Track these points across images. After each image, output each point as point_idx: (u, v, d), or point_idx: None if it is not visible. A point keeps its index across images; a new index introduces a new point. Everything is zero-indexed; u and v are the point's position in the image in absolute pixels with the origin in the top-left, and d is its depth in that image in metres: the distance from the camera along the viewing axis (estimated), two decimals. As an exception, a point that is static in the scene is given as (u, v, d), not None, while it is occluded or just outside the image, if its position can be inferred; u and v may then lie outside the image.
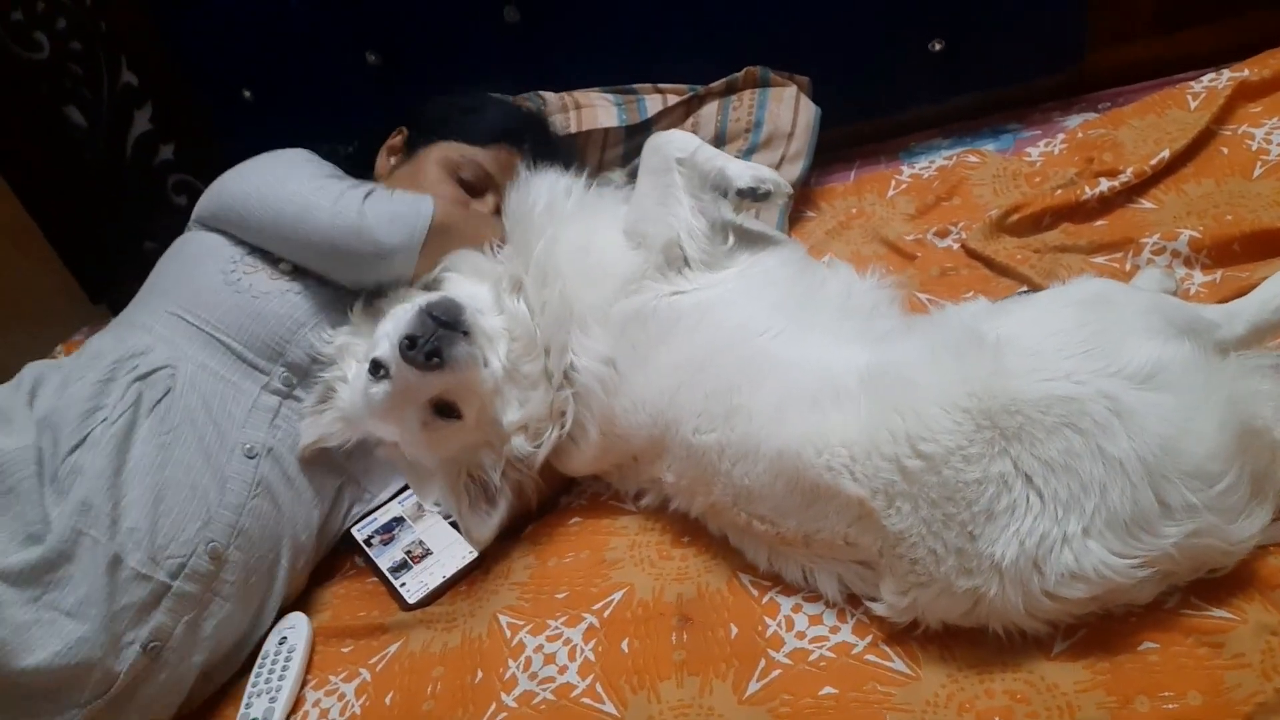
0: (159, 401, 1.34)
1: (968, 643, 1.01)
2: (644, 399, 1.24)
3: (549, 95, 1.97)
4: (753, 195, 1.32)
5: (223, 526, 1.31)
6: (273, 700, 1.27)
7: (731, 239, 1.33)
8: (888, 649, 1.04)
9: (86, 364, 1.38)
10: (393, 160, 1.71)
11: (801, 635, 1.09)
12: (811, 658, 1.06)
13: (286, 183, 1.47)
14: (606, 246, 1.34)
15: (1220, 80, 1.63)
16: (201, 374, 1.40)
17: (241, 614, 1.34)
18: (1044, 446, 0.92)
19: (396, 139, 1.73)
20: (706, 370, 1.18)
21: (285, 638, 1.36)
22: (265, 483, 1.37)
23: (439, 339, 1.23)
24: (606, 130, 1.92)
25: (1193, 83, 1.66)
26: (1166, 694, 0.90)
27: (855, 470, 1.01)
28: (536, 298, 1.35)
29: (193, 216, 1.59)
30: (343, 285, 1.50)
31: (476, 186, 1.59)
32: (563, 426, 1.32)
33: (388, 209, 1.43)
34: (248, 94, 2.25)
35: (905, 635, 1.05)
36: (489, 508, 1.32)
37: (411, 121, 1.74)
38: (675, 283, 1.28)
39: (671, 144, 1.35)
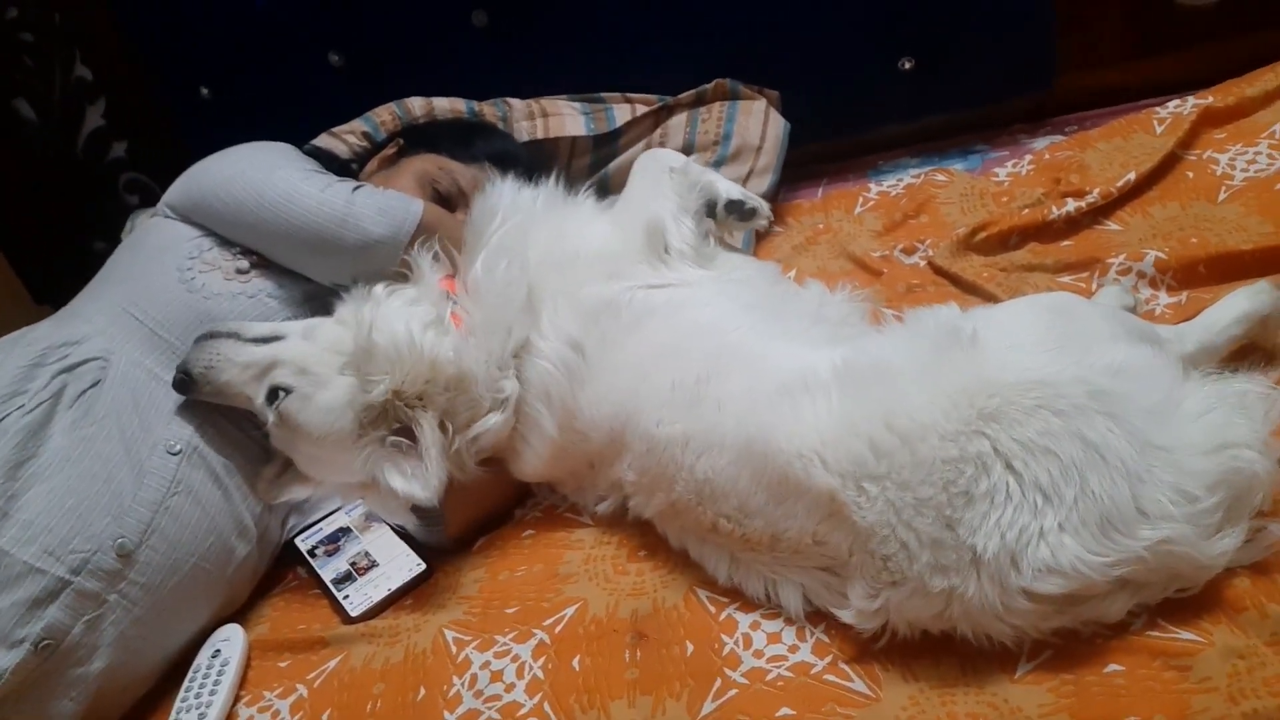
0: (84, 393, 1.28)
1: (930, 663, 0.98)
2: (610, 389, 1.21)
3: (515, 102, 1.94)
4: (739, 209, 1.42)
5: (134, 523, 1.24)
6: (201, 716, 1.19)
7: (713, 242, 1.37)
8: (848, 669, 1.01)
9: (22, 350, 1.31)
10: (378, 168, 1.68)
11: (759, 654, 1.05)
12: (769, 677, 1.02)
13: (274, 169, 1.44)
14: (583, 233, 1.35)
15: (1185, 106, 1.64)
16: (135, 370, 1.34)
17: (157, 620, 1.26)
18: (1022, 428, 0.91)
19: (391, 150, 1.70)
20: (674, 361, 1.16)
21: (219, 650, 1.29)
22: (187, 482, 1.30)
23: (183, 366, 1.30)
24: (574, 139, 1.90)
25: (1158, 108, 1.68)
26: (1132, 718, 0.87)
27: (826, 457, 0.99)
28: (493, 280, 1.30)
29: (163, 200, 1.53)
30: (315, 281, 1.45)
31: (450, 200, 1.56)
32: (503, 411, 1.27)
33: (376, 202, 1.40)
34: (205, 91, 2.20)
35: (866, 655, 1.01)
36: (414, 462, 1.23)
37: (408, 134, 1.74)
38: (656, 270, 1.28)
39: (665, 156, 1.45)
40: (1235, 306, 1.14)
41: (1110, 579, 0.89)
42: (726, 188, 1.41)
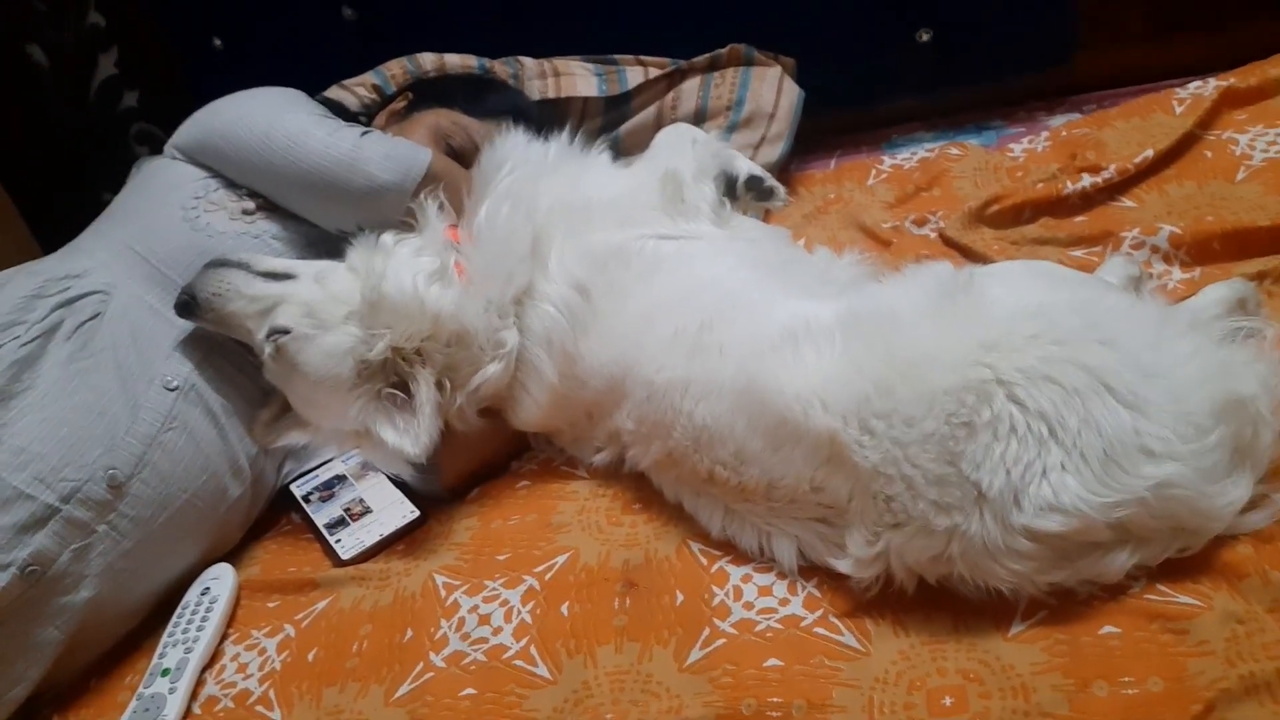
0: (83, 325, 1.27)
1: (922, 619, 0.97)
2: (613, 337, 1.20)
3: (527, 60, 1.92)
4: (759, 187, 1.44)
5: (127, 456, 1.23)
6: (188, 651, 1.19)
7: (727, 205, 1.38)
8: (838, 622, 0.99)
9: (22, 280, 1.31)
10: (387, 122, 1.67)
11: (749, 605, 1.04)
12: (758, 628, 1.01)
13: (283, 112, 1.44)
14: (599, 182, 1.35)
15: (1207, 88, 1.61)
16: (136, 305, 1.33)
17: (146, 554, 1.25)
18: (1022, 355, 0.91)
19: (400, 104, 1.69)
20: (678, 308, 1.16)
21: (208, 588, 1.28)
22: (183, 419, 1.29)
23: (189, 289, 1.29)
24: (586, 99, 1.88)
25: (1179, 89, 1.65)
26: (1126, 679, 0.86)
27: (827, 399, 0.98)
28: (495, 226, 1.29)
29: (170, 143, 1.53)
30: (319, 226, 1.45)
31: (463, 156, 1.55)
32: (502, 360, 1.26)
33: (384, 148, 1.39)
34: (218, 42, 2.19)
35: (858, 610, 1.00)
36: (407, 416, 1.23)
37: (418, 89, 1.72)
38: (670, 221, 1.29)
39: (689, 130, 1.48)
40: (1214, 292, 1.16)
41: (1111, 521, 0.88)
42: (747, 165, 1.44)
